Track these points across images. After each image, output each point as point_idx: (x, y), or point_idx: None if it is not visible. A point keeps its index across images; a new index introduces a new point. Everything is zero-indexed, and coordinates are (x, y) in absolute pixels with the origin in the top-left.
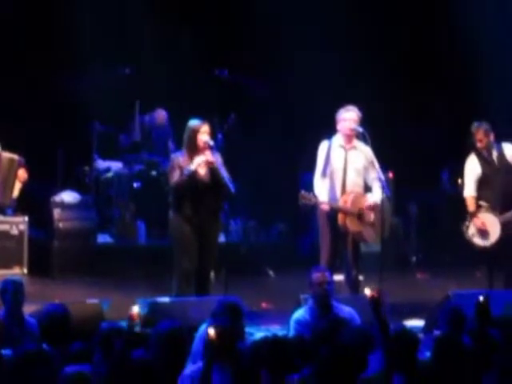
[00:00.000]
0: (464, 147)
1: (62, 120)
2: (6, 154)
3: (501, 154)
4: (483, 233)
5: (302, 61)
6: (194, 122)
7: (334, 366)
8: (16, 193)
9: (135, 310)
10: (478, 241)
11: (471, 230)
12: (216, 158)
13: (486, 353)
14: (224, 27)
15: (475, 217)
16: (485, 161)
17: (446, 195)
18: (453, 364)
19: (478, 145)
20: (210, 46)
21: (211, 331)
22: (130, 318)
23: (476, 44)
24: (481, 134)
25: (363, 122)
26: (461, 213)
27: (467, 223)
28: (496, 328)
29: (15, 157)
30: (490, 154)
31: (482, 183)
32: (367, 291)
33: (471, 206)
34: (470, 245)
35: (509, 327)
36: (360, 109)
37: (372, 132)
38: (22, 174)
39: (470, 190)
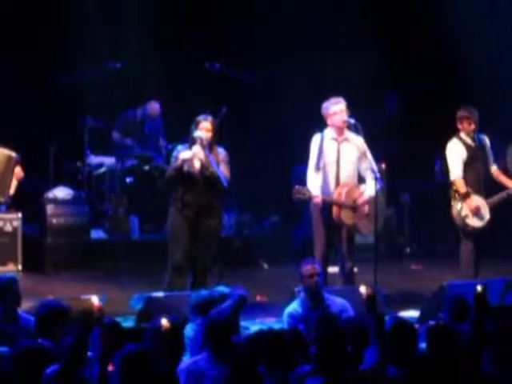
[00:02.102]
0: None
1: (53, 115)
2: (4, 151)
3: (480, 141)
4: (477, 214)
5: (294, 53)
6: (198, 117)
7: (329, 358)
8: (12, 190)
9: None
10: (472, 222)
11: (464, 211)
12: (215, 154)
13: (482, 342)
14: (215, 20)
15: (468, 198)
16: (468, 146)
17: (439, 185)
18: (447, 353)
19: (472, 127)
20: (201, 39)
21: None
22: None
23: (470, 37)
24: (475, 117)
25: (356, 112)
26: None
27: (460, 205)
28: (492, 318)
29: (13, 154)
30: (473, 139)
31: (466, 167)
32: (362, 289)
33: (462, 187)
34: (461, 227)
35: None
36: (351, 100)
37: (363, 123)
38: (19, 171)
39: (458, 172)
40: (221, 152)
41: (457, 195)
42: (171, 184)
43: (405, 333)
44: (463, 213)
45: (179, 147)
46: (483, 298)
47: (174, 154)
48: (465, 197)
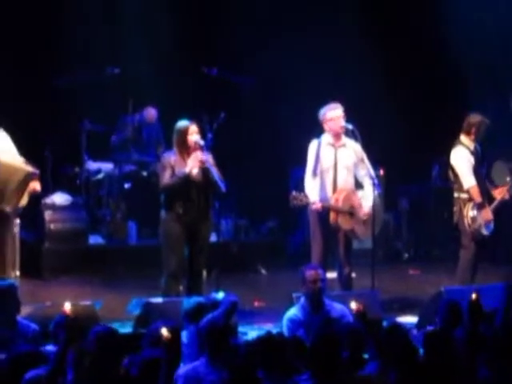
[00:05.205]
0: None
1: (51, 120)
2: (22, 166)
3: (477, 149)
4: (488, 223)
5: (291, 57)
6: (182, 123)
7: (330, 363)
8: (23, 202)
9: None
10: (485, 231)
11: (479, 221)
12: (207, 158)
13: (476, 349)
14: (213, 24)
15: (484, 208)
16: (472, 152)
17: (436, 190)
18: (443, 359)
19: (480, 136)
20: (199, 44)
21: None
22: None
23: (466, 41)
24: (485, 126)
25: (353, 118)
26: (451, 207)
27: (474, 213)
28: (487, 323)
29: (30, 169)
30: (475, 148)
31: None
32: (353, 305)
33: (478, 196)
34: (473, 234)
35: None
36: (349, 105)
37: (361, 128)
38: (34, 186)
39: (472, 180)
40: (207, 154)
41: (470, 203)
42: (175, 191)
43: (398, 337)
44: (478, 222)
45: (169, 153)
46: (477, 305)
47: (162, 161)
48: (481, 206)
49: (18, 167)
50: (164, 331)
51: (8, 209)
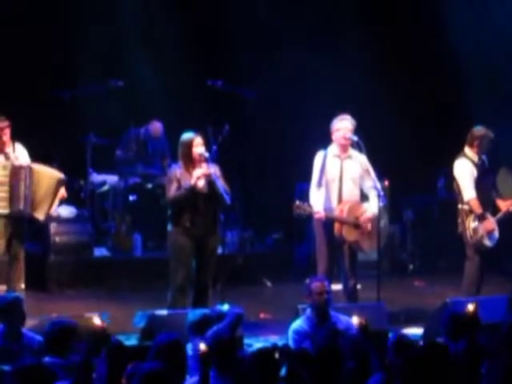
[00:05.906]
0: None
1: (56, 133)
2: (53, 173)
3: (483, 160)
4: (491, 234)
5: (296, 68)
6: (186, 136)
7: (335, 375)
8: (53, 210)
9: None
10: (486, 242)
11: (480, 232)
12: (213, 170)
13: (474, 360)
14: (216, 37)
15: (485, 219)
16: (476, 164)
17: (441, 202)
18: (445, 371)
19: (483, 149)
20: (203, 56)
21: (202, 346)
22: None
23: (471, 54)
24: (488, 139)
25: (358, 130)
26: (456, 219)
27: (476, 225)
28: (486, 335)
29: (61, 176)
30: (480, 159)
31: (475, 186)
32: (355, 319)
33: (478, 208)
34: (476, 246)
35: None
36: (353, 117)
37: (366, 140)
38: (63, 192)
39: (472, 192)
40: (214, 166)
41: (472, 215)
42: (182, 203)
43: (404, 348)
44: (480, 233)
45: (174, 167)
46: (474, 316)
47: (168, 174)
48: (481, 218)
49: (50, 173)
50: (202, 346)
51: (41, 217)
